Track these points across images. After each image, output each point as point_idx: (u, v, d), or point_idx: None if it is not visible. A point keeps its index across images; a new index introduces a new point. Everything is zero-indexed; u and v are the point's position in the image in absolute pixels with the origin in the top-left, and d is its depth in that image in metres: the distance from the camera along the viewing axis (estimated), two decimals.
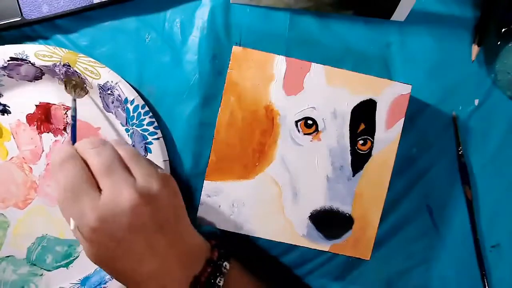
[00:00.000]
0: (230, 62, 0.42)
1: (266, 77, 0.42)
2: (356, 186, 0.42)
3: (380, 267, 0.48)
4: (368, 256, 0.43)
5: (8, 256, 0.45)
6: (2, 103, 0.45)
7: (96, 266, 0.45)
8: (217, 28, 0.47)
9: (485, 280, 0.48)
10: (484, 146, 0.48)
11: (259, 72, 0.42)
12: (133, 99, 0.44)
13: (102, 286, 0.44)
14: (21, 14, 0.45)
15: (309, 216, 0.42)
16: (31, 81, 0.45)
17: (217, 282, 0.37)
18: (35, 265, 0.45)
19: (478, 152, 0.48)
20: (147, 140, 0.44)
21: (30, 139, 0.46)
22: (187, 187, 0.47)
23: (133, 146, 0.46)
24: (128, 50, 0.47)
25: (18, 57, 0.43)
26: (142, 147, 0.44)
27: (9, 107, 0.46)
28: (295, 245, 0.43)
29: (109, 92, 0.44)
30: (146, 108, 0.44)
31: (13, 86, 0.45)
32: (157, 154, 0.44)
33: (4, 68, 0.43)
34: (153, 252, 0.34)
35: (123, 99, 0.44)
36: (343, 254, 0.43)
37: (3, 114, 0.46)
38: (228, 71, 0.42)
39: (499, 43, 0.48)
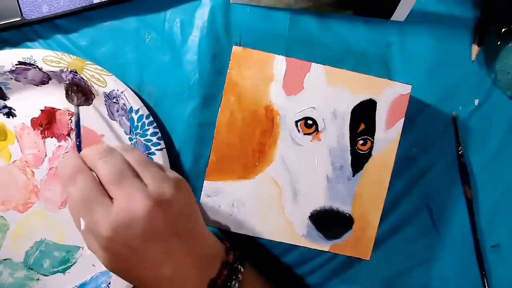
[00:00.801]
0: (230, 62, 0.42)
1: (266, 77, 0.42)
2: (356, 186, 0.42)
3: (380, 267, 0.48)
4: (368, 256, 0.43)
5: (5, 259, 0.45)
6: (8, 106, 0.45)
7: (92, 274, 0.45)
8: (217, 28, 0.47)
9: (485, 280, 0.48)
10: (484, 146, 0.48)
11: (259, 72, 0.42)
12: (138, 108, 0.44)
13: None
14: (21, 14, 0.45)
15: (309, 216, 0.42)
16: (37, 85, 0.45)
17: (232, 284, 0.37)
18: (32, 269, 0.45)
19: (478, 152, 0.48)
20: (150, 151, 0.44)
21: (33, 143, 0.46)
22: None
23: None
24: (128, 50, 0.47)
25: (26, 61, 0.43)
26: None
27: (14, 110, 0.46)
28: (295, 245, 0.43)
29: (114, 100, 0.44)
30: (151, 118, 0.44)
31: (19, 90, 0.45)
32: None
33: (12, 71, 0.43)
34: (170, 258, 0.34)
35: (128, 108, 0.44)
36: (343, 254, 0.43)
37: (9, 117, 0.46)
38: (228, 71, 0.42)
39: (499, 43, 0.48)
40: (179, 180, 0.36)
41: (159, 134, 0.44)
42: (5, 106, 0.45)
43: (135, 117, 0.44)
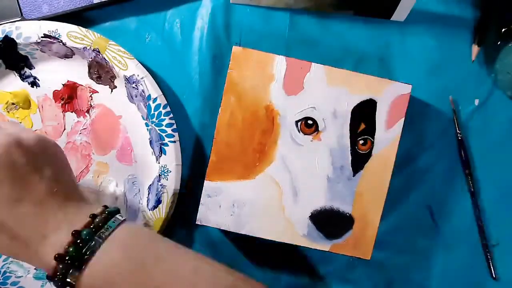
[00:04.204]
0: (230, 62, 0.42)
1: (266, 77, 0.42)
2: (356, 186, 0.42)
3: (380, 266, 0.48)
4: (368, 256, 0.43)
5: None
6: (33, 75, 0.47)
7: None
8: (217, 28, 0.47)
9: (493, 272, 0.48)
10: (484, 146, 0.48)
11: (259, 72, 0.42)
12: (156, 97, 0.44)
13: None
14: (21, 14, 0.45)
15: (309, 216, 0.42)
16: (62, 58, 0.46)
17: (101, 233, 0.33)
18: None
19: (478, 152, 0.48)
20: (163, 141, 0.44)
21: (54, 115, 0.47)
22: (187, 187, 0.47)
23: (150, 141, 0.46)
24: (128, 50, 0.47)
25: (51, 35, 0.43)
26: (158, 146, 0.44)
27: (38, 80, 0.47)
28: (295, 245, 0.43)
29: (133, 85, 0.44)
30: (168, 109, 0.44)
31: (44, 61, 0.46)
32: (171, 157, 0.44)
33: (37, 43, 0.44)
34: (30, 194, 0.33)
35: (146, 96, 0.44)
36: (344, 254, 0.43)
37: (33, 87, 0.47)
38: (228, 71, 0.42)
39: (499, 43, 0.48)
40: (44, 136, 0.37)
41: (175, 126, 0.44)
42: (30, 75, 0.47)
43: (153, 105, 0.44)
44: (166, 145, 0.44)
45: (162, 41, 0.47)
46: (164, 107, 0.44)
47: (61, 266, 0.31)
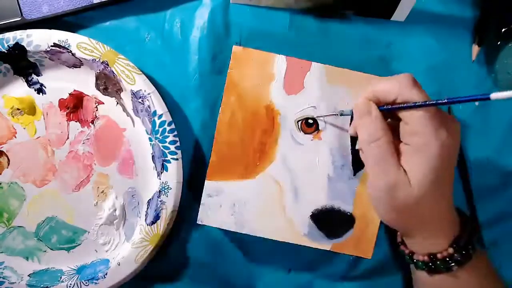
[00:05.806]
0: (230, 62, 0.42)
1: (266, 77, 0.42)
2: (357, 185, 0.42)
3: (381, 266, 0.48)
4: (369, 255, 0.43)
5: (20, 226, 0.47)
6: (40, 82, 0.47)
7: (93, 259, 0.47)
8: (217, 28, 0.47)
9: None
10: (484, 146, 0.48)
11: (259, 72, 0.42)
12: (162, 114, 0.44)
13: (94, 281, 0.44)
14: (21, 14, 0.45)
15: (310, 215, 0.42)
16: (70, 67, 0.46)
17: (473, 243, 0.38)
18: (41, 240, 0.47)
19: (478, 152, 0.48)
20: (166, 158, 0.44)
21: (58, 123, 0.47)
22: (188, 187, 0.47)
23: (153, 156, 0.46)
24: (128, 50, 0.47)
25: (61, 44, 0.43)
26: (160, 162, 0.44)
27: (45, 87, 0.47)
28: (296, 244, 0.43)
29: (140, 100, 0.44)
30: (173, 126, 0.44)
31: (52, 68, 0.46)
32: (172, 174, 0.44)
33: (46, 52, 0.44)
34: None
35: (152, 111, 0.44)
36: (345, 253, 0.43)
37: (39, 93, 0.47)
38: (228, 71, 0.42)
39: (499, 43, 0.48)
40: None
41: (178, 144, 0.44)
42: (37, 82, 0.46)
43: (157, 121, 0.44)
44: (169, 162, 0.44)
45: (162, 40, 0.47)
46: (169, 124, 0.44)
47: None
